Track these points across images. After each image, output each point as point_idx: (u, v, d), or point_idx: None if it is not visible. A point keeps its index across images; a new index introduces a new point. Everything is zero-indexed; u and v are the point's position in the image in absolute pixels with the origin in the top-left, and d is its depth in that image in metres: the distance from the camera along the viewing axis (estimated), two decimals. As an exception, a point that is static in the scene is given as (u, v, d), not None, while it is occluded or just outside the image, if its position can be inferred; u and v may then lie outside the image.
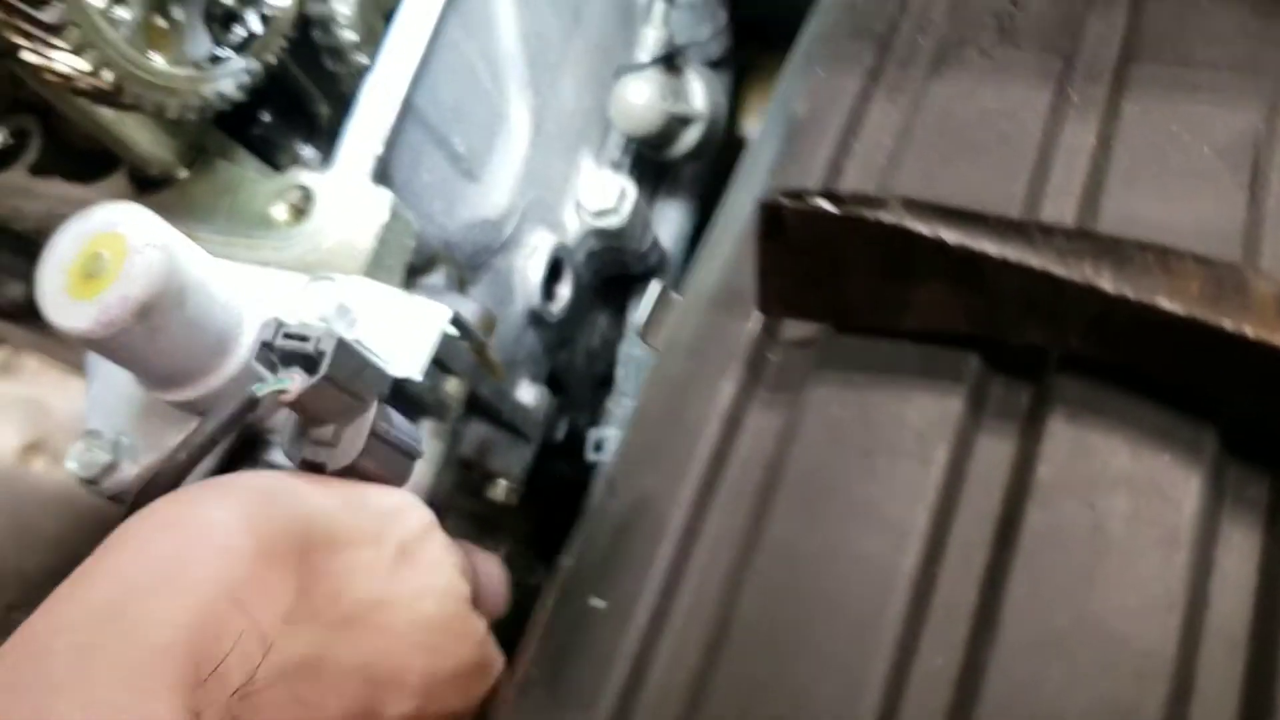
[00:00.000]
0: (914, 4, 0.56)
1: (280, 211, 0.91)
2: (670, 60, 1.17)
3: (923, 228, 0.42)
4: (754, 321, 0.48)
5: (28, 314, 1.09)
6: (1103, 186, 0.51)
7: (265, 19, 0.91)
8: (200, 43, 0.87)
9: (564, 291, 1.15)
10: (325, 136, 1.05)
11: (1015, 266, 0.42)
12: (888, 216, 0.43)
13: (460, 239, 1.03)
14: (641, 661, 0.45)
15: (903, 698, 0.42)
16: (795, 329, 0.47)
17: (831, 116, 0.53)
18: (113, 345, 0.72)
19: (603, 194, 1.14)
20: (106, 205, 0.74)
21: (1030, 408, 0.47)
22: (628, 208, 1.15)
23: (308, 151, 1.04)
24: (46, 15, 0.75)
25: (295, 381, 0.63)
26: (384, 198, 0.88)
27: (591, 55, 1.16)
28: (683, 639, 0.45)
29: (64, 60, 0.78)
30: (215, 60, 0.88)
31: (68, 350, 1.09)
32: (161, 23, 0.83)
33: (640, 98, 1.16)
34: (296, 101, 1.01)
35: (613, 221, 1.15)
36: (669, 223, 1.30)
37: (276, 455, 0.84)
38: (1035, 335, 0.46)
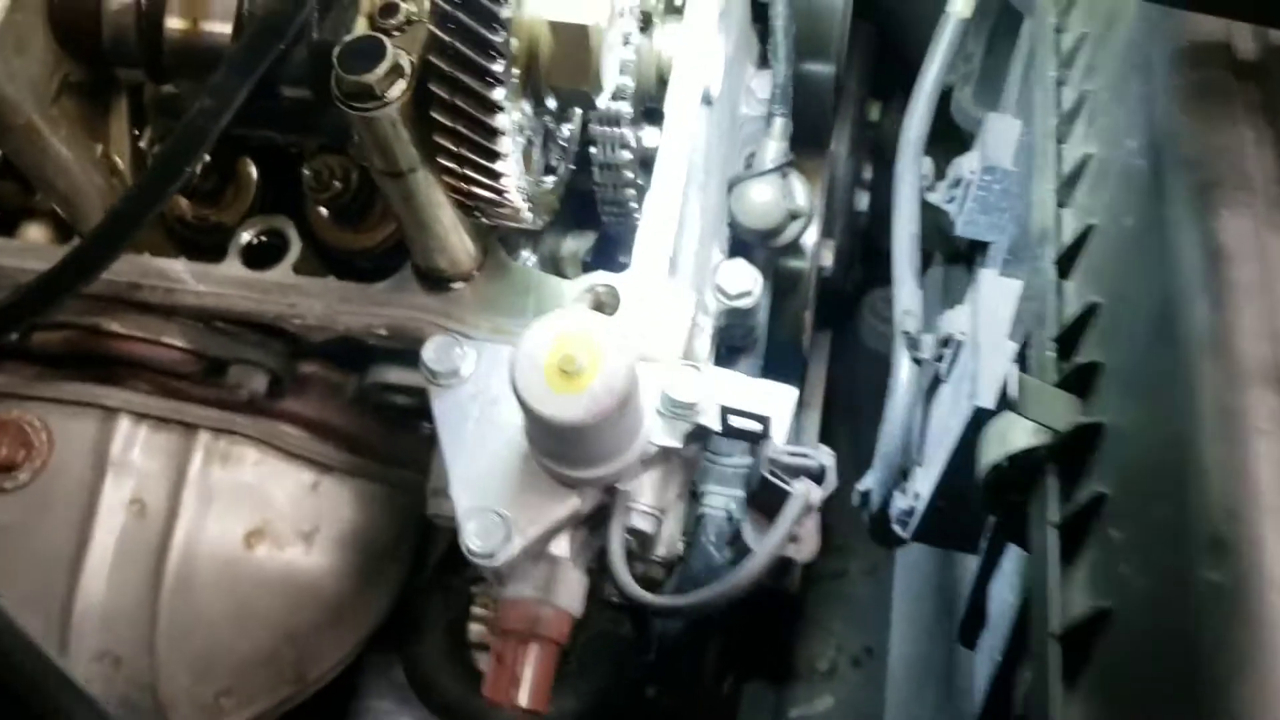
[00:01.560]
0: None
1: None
2: (782, 167, 1.37)
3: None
4: None
5: (256, 408, 1.13)
6: None
7: (563, 145, 1.04)
8: (537, 165, 0.99)
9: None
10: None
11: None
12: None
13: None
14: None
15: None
16: None
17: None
18: (586, 431, 0.84)
19: (741, 281, 1.31)
20: (565, 312, 0.86)
21: None
22: (759, 291, 1.32)
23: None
24: (498, 146, 0.86)
25: (816, 490, 0.81)
26: (688, 293, 1.02)
27: (724, 163, 1.34)
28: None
29: (484, 182, 0.89)
30: (547, 175, 1.00)
31: (285, 440, 1.14)
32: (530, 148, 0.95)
33: (764, 197, 1.35)
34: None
35: (746, 303, 1.32)
36: (755, 302, 1.48)
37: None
38: None
